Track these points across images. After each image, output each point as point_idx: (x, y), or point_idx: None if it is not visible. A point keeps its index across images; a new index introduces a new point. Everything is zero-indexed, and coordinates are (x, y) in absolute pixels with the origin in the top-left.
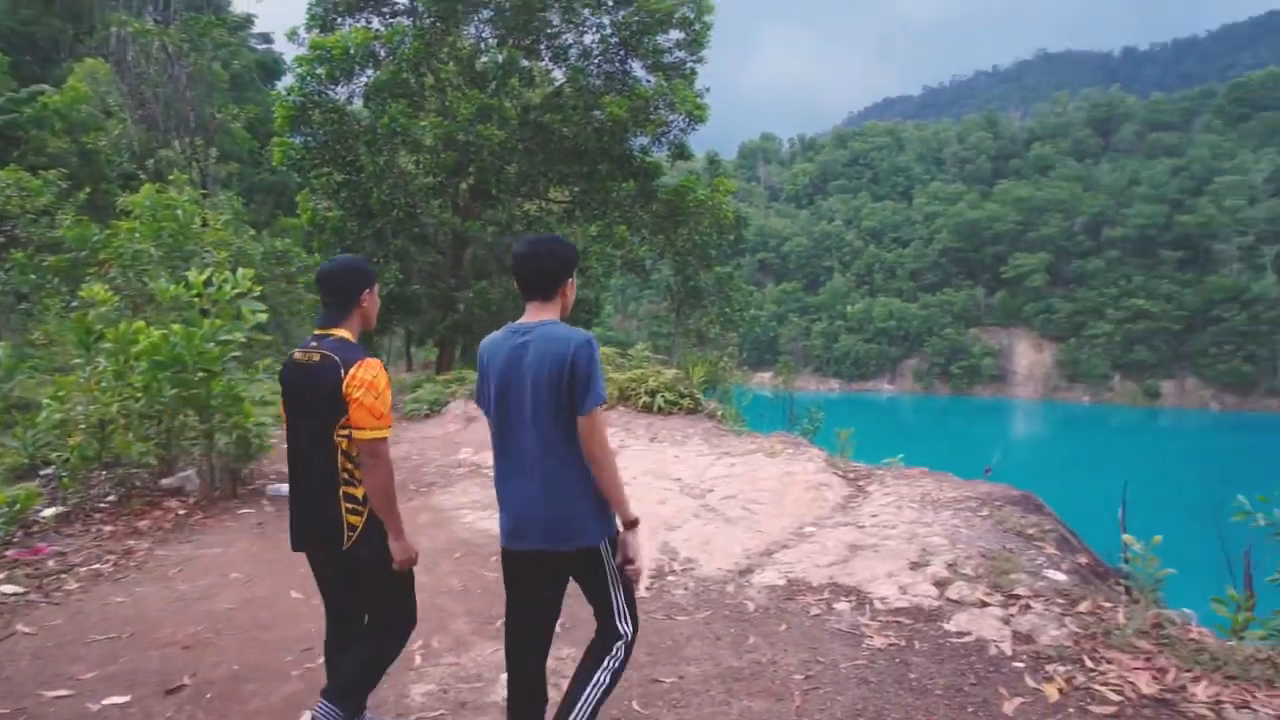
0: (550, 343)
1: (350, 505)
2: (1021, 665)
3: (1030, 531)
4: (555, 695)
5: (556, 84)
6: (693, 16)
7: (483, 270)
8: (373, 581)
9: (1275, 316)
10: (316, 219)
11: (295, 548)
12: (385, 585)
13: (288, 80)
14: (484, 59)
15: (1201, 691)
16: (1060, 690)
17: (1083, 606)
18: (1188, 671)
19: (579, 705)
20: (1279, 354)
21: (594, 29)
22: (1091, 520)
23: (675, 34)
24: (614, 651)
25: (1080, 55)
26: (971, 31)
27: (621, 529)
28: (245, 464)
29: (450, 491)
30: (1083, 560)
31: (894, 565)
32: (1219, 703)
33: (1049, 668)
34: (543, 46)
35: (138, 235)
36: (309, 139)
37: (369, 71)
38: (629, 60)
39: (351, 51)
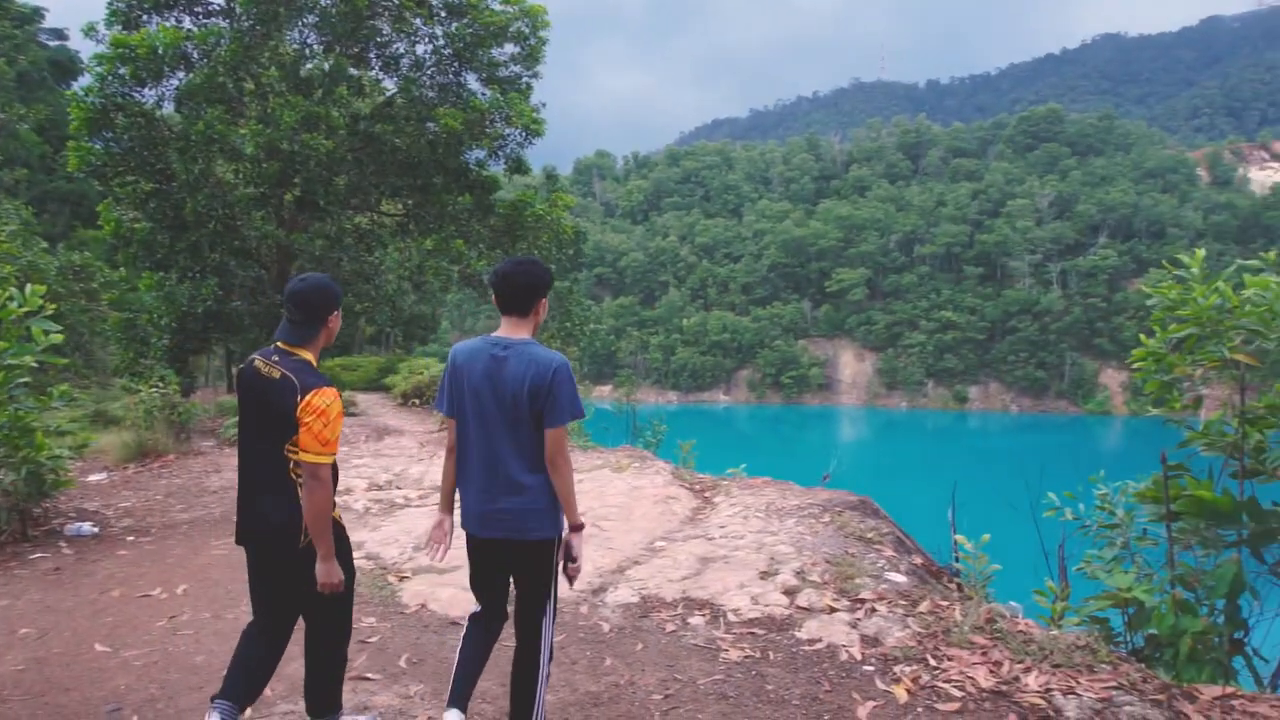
0: (531, 363)
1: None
2: (871, 669)
3: (869, 535)
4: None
5: (388, 94)
6: (528, 31)
7: None
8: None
9: (1061, 327)
10: (122, 231)
11: (239, 541)
12: (335, 595)
13: (86, 80)
14: (309, 65)
15: (1033, 681)
16: (909, 690)
17: (923, 606)
18: (1019, 663)
19: (534, 710)
20: (1066, 361)
21: (426, 39)
22: (919, 520)
23: (510, 48)
24: (542, 654)
25: (891, 85)
26: (794, 59)
27: (568, 531)
28: (38, 502)
29: None
30: (918, 561)
31: (745, 576)
32: (1048, 690)
33: (897, 669)
34: (372, 55)
35: None
36: (112, 144)
37: (180, 74)
38: (463, 72)
39: (160, 51)
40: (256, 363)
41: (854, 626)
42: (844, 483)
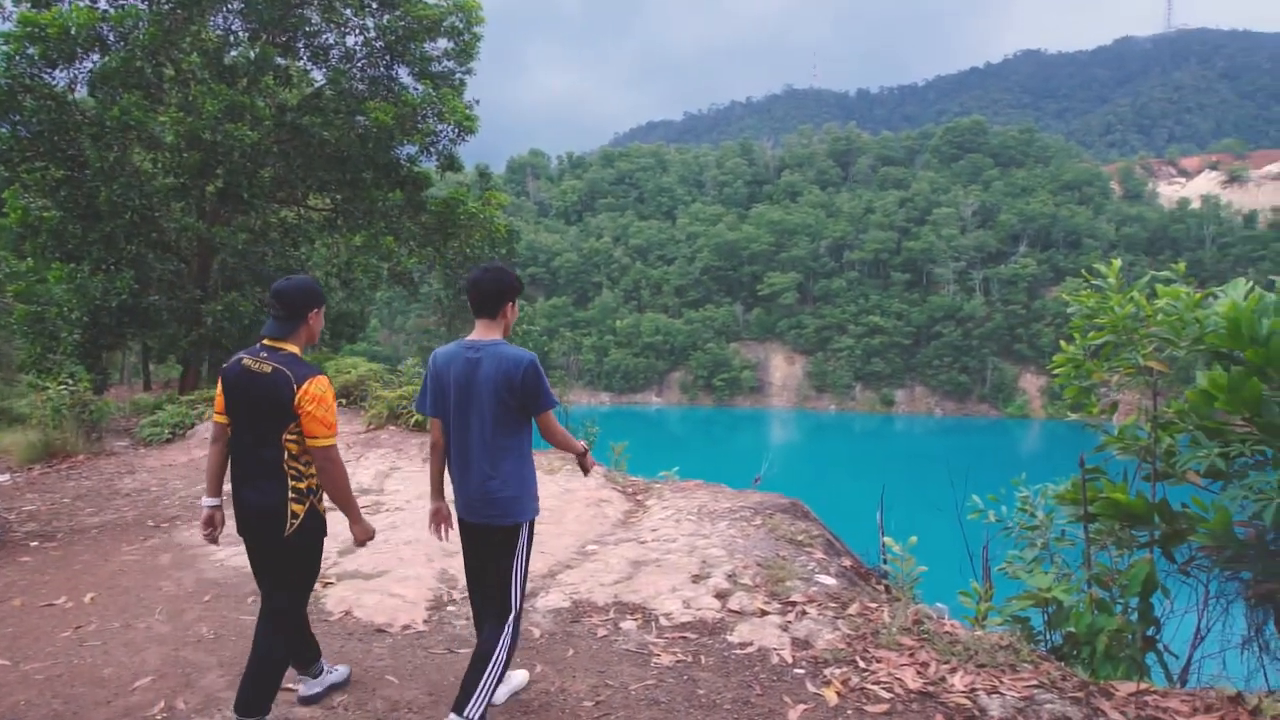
0: (502, 361)
1: (294, 496)
2: (802, 671)
3: (800, 538)
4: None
5: (316, 85)
6: (462, 27)
7: (233, 280)
8: (302, 559)
9: (984, 333)
10: (29, 219)
11: (240, 532)
12: (308, 562)
13: None
14: (234, 53)
15: (958, 682)
16: (838, 693)
17: (852, 609)
18: (945, 664)
19: (481, 685)
20: (987, 366)
21: (357, 30)
22: (848, 522)
23: (444, 43)
24: (505, 628)
25: (822, 93)
26: (728, 64)
27: (578, 457)
28: None
29: (197, 526)
30: (847, 563)
31: (676, 580)
32: (973, 690)
33: (827, 671)
34: (300, 45)
35: None
36: (19, 128)
37: (95, 57)
38: (395, 66)
39: (73, 32)
40: (245, 361)
41: (785, 629)
42: (775, 485)
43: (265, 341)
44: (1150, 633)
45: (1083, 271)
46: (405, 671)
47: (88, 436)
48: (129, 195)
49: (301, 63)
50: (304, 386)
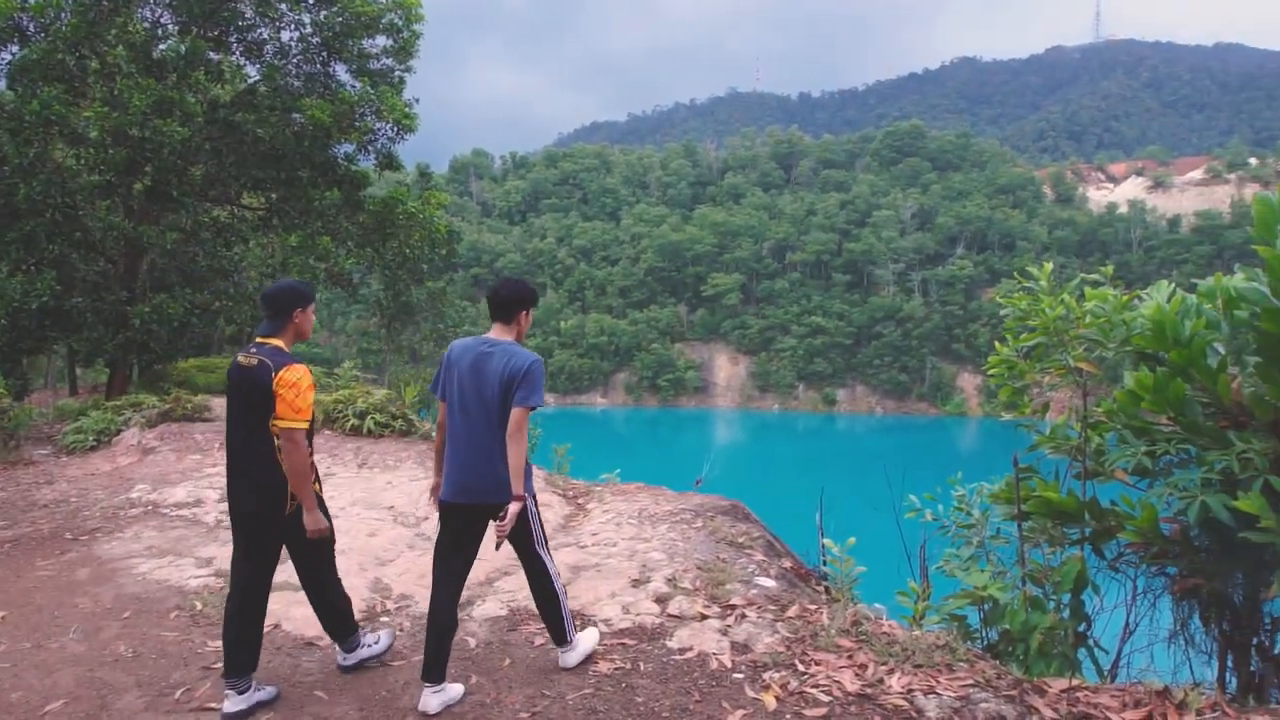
0: (511, 358)
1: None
2: (741, 676)
3: (740, 540)
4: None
5: (250, 81)
6: (401, 24)
7: (162, 281)
8: (310, 539)
9: (923, 333)
10: None
11: (234, 524)
12: (320, 541)
13: None
14: (163, 47)
15: (896, 683)
16: (777, 697)
17: (791, 611)
18: (883, 665)
19: (564, 617)
20: (926, 365)
21: (293, 26)
22: (789, 522)
23: (382, 40)
24: (549, 574)
25: (764, 96)
26: (672, 67)
27: (512, 499)
28: None
29: (119, 538)
30: (788, 565)
31: (617, 584)
32: (910, 691)
33: (766, 675)
34: (233, 39)
35: None
36: None
37: (14, 48)
38: (332, 63)
39: None
40: (239, 358)
41: (724, 634)
42: (717, 486)
43: (257, 339)
44: (1081, 629)
45: (1015, 274)
46: (335, 686)
47: (4, 445)
48: (50, 193)
49: (234, 58)
50: (280, 373)
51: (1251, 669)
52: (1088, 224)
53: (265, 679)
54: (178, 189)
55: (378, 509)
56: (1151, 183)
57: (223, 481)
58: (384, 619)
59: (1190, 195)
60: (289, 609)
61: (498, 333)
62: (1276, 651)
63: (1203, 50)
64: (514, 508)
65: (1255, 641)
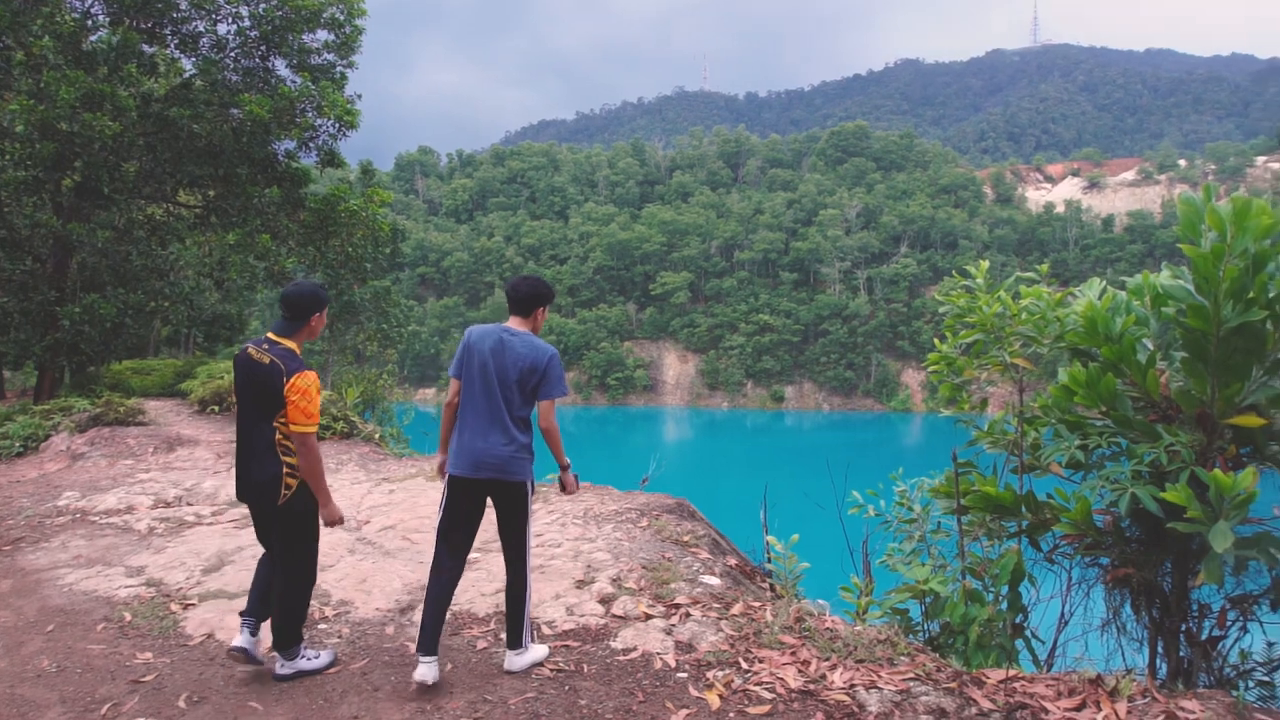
0: (531, 348)
1: (288, 471)
2: (685, 675)
3: (686, 539)
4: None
5: (186, 75)
6: (343, 18)
7: (93, 281)
8: (297, 524)
9: (868, 330)
10: None
11: (239, 498)
12: (305, 532)
13: None
14: (94, 39)
15: (838, 678)
16: (721, 696)
17: (735, 609)
18: (825, 661)
19: (525, 620)
20: (872, 362)
21: (230, 19)
22: (736, 519)
23: (323, 34)
24: (526, 570)
25: (712, 96)
26: (620, 65)
27: (559, 471)
28: None
29: (45, 548)
30: (733, 562)
31: (561, 585)
32: (852, 686)
33: (710, 674)
34: (168, 32)
35: None
36: None
37: None
38: (272, 57)
39: None
40: (249, 349)
41: (669, 633)
42: (664, 484)
43: (270, 335)
44: (1019, 620)
45: (953, 272)
46: (270, 697)
47: None
48: None
49: (169, 51)
50: (292, 380)
51: (1180, 654)
52: (1027, 223)
53: (197, 690)
54: (109, 185)
55: None
56: (1087, 183)
57: (155, 485)
58: (321, 626)
59: (1123, 195)
60: (224, 617)
61: (516, 324)
62: (1203, 637)
63: (1135, 55)
64: (568, 475)
65: (1183, 628)
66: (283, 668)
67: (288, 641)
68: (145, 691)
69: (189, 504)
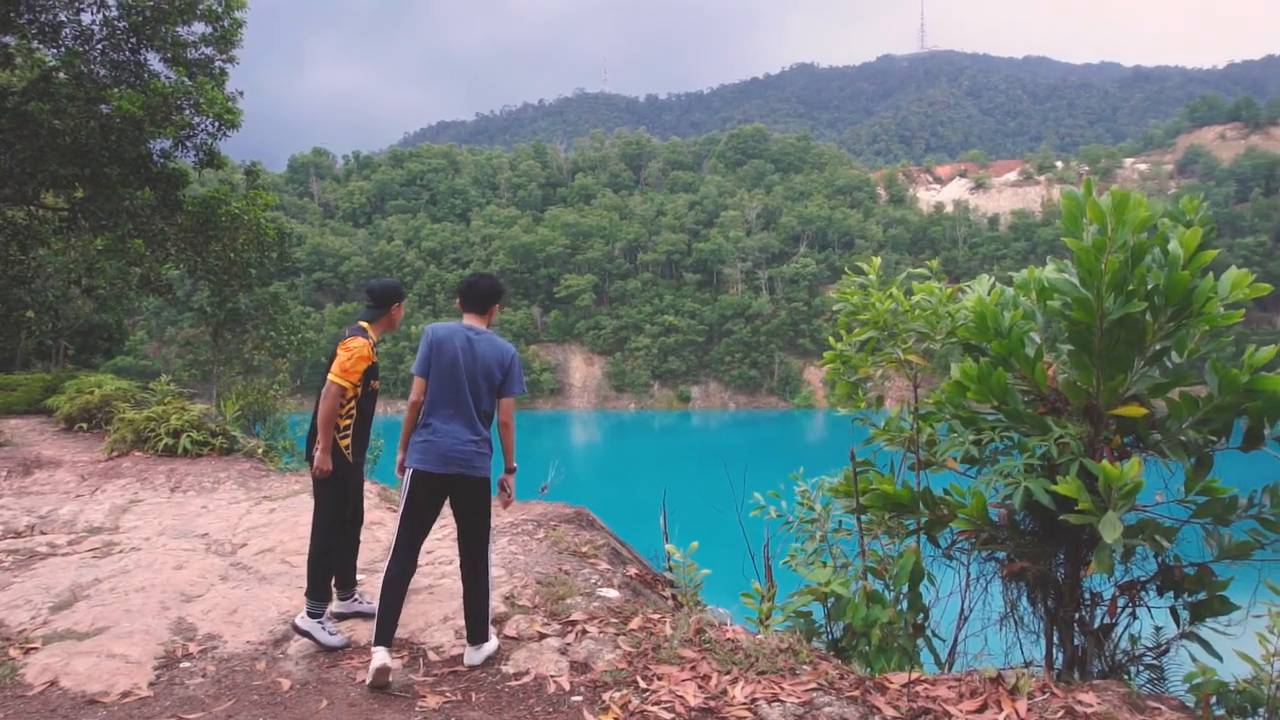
0: (493, 346)
1: (342, 434)
2: (580, 699)
3: (584, 549)
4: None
5: (47, 67)
6: (221, 10)
7: None
8: (317, 490)
9: (770, 329)
10: None
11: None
12: (320, 495)
13: None
14: None
15: (739, 693)
16: (617, 718)
17: (634, 623)
18: (726, 674)
19: (488, 615)
20: (775, 360)
21: (95, 8)
22: (639, 523)
23: (200, 27)
24: (486, 565)
25: (613, 98)
26: (519, 66)
27: (504, 473)
28: None
29: None
30: (633, 572)
31: (450, 607)
32: (754, 701)
33: (606, 696)
34: (25, 20)
35: None
36: None
37: None
38: (143, 50)
39: None
40: (344, 333)
41: (564, 653)
42: (565, 492)
43: (358, 322)
44: (920, 619)
45: (846, 269)
46: None
47: None
48: None
49: (28, 41)
50: (346, 339)
51: (1075, 644)
52: (918, 223)
53: None
54: None
55: (188, 538)
56: (973, 184)
57: (6, 513)
58: (184, 664)
59: (1007, 195)
60: (70, 661)
61: (475, 321)
62: (1096, 625)
63: (1014, 62)
64: (511, 479)
65: (1077, 617)
66: (301, 620)
67: (312, 590)
68: None
69: (43, 532)
